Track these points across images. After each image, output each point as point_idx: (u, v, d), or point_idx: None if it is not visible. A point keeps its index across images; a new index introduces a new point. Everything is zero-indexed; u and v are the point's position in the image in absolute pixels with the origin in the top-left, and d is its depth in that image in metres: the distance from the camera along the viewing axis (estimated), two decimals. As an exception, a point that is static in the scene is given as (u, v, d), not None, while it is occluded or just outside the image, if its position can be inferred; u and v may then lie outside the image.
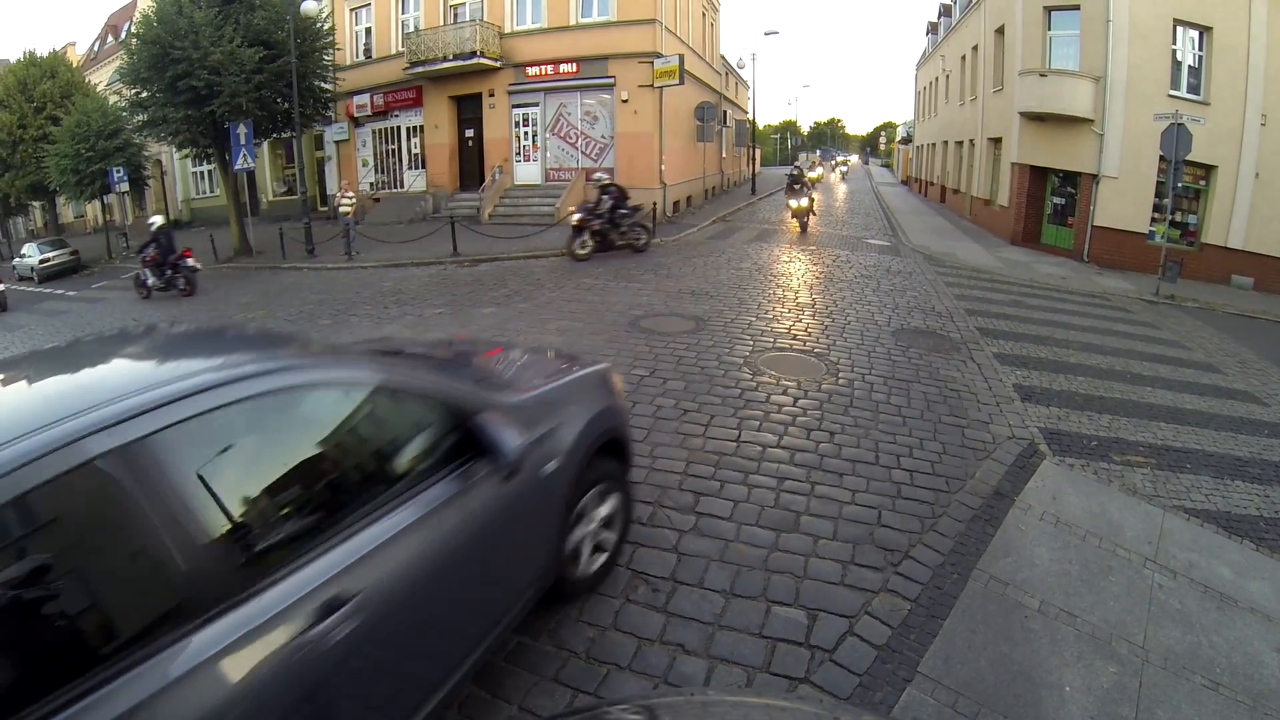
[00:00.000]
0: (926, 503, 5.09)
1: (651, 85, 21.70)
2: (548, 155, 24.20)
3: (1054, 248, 19.57)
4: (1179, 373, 9.23)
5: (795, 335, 9.32)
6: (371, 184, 28.47)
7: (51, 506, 1.77)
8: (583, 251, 15.78)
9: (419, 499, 2.64)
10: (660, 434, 6.19)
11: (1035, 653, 3.74)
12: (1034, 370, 8.53)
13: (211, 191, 35.37)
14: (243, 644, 1.95)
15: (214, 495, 2.04)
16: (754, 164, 43.49)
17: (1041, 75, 18.71)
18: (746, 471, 5.49)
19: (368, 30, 27.81)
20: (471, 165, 25.57)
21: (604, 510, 4.00)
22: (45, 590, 1.73)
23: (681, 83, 21.95)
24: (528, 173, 24.41)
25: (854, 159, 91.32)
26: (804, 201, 19.92)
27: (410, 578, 2.52)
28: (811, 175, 34.60)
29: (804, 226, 20.12)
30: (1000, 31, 22.93)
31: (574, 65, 22.71)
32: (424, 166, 26.67)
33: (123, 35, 30.72)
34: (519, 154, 24.59)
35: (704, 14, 29.86)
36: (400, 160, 27.92)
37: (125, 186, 27.20)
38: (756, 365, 8.04)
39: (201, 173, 36.28)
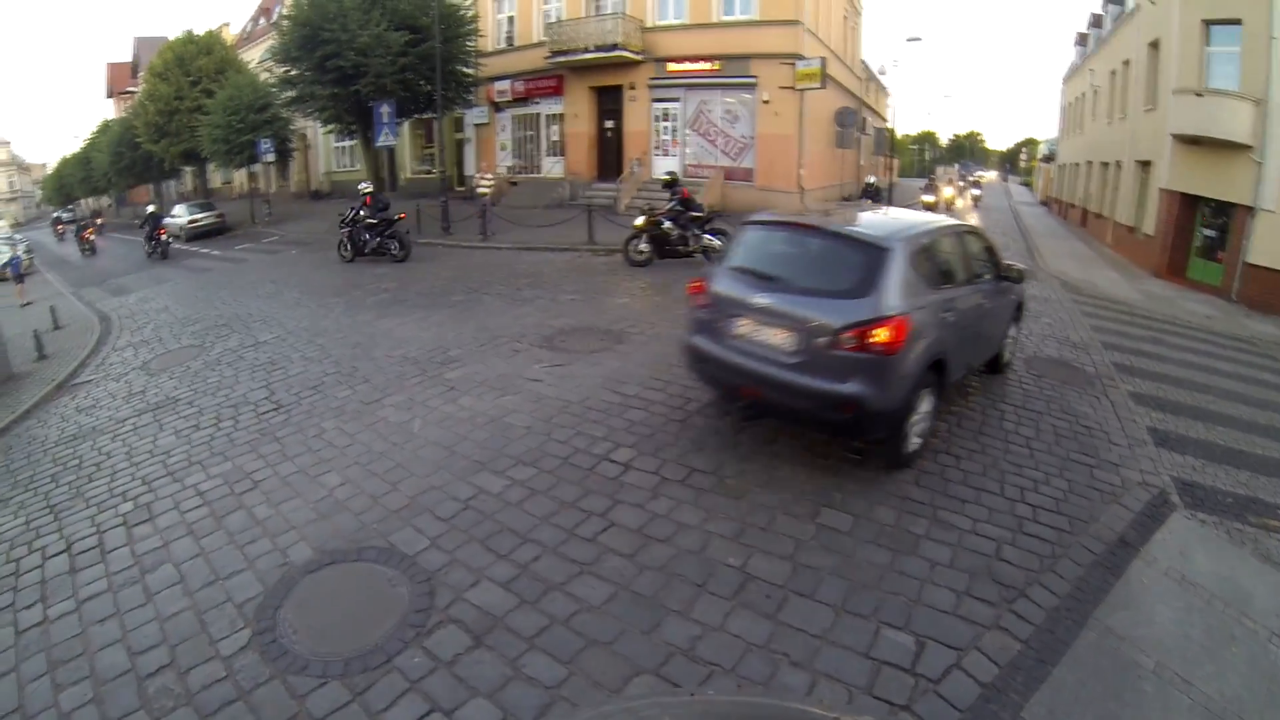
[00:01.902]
0: (1048, 541, 5.00)
1: (793, 87, 21.52)
2: (687, 151, 24.36)
3: (1201, 284, 18.30)
4: (1333, 433, 8.59)
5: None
6: (509, 168, 29.31)
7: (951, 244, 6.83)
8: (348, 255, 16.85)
9: (987, 281, 7.24)
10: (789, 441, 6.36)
11: (1144, 717, 3.65)
12: (1171, 414, 8.13)
13: (352, 166, 37.19)
14: (970, 296, 6.70)
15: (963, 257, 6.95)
16: (892, 173, 42.44)
17: (1198, 95, 17.40)
18: (869, 484, 5.57)
19: (510, 18, 28.60)
20: (610, 156, 26.01)
21: (1013, 331, 8.60)
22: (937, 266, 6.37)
23: (823, 86, 21.74)
24: (666, 167, 24.56)
25: (992, 175, 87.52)
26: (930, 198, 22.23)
27: (987, 301, 7.15)
28: (926, 199, 30.15)
29: None
30: (1154, 45, 21.50)
31: (715, 63, 22.75)
32: (562, 154, 27.29)
33: (274, 17, 32.63)
34: (658, 148, 24.88)
35: (845, 17, 29.38)
36: (539, 146, 28.65)
37: (271, 157, 29.12)
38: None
39: (343, 147, 38.18)
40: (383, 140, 21.32)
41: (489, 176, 21.60)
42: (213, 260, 21.03)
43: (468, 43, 24.05)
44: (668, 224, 14.26)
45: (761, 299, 5.67)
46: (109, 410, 8.47)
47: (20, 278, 19.63)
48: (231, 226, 29.55)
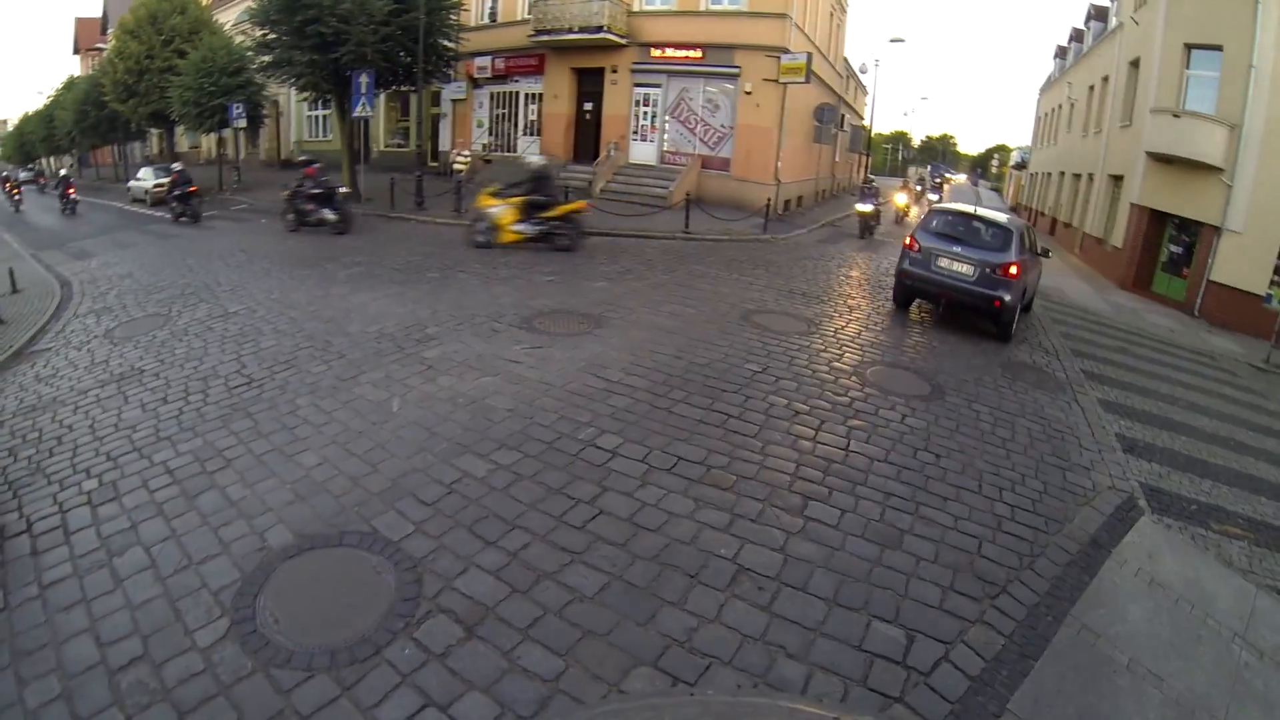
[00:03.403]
0: (1025, 540, 5.12)
1: (776, 80, 21.50)
2: (665, 138, 24.24)
3: (1164, 298, 18.82)
4: (1287, 448, 8.89)
5: (903, 351, 9.39)
6: (484, 145, 28.92)
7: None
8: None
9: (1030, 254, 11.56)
10: (772, 432, 6.39)
11: (1120, 710, 3.77)
12: (1137, 422, 8.38)
13: (324, 135, 36.43)
14: (1032, 260, 12.18)
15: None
16: (866, 171, 42.68)
17: (1175, 116, 17.81)
18: (854, 482, 5.60)
19: (495, -6, 28.17)
20: (587, 138, 25.78)
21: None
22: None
23: (808, 81, 21.78)
24: (643, 153, 24.50)
25: (962, 178, 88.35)
26: (868, 207, 21.62)
27: (1032, 264, 11.71)
28: (861, 208, 21.93)
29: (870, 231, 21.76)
30: (1135, 64, 21.95)
31: (700, 51, 22.66)
32: (539, 134, 26.98)
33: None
34: (636, 133, 24.68)
35: (832, 14, 29.40)
36: (515, 125, 28.29)
37: (243, 123, 28.35)
38: (866, 376, 8.14)
39: (317, 116, 37.40)
40: (360, 111, 20.81)
41: (465, 153, 21.35)
42: (179, 226, 20.36)
43: (451, 15, 23.54)
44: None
45: (954, 249, 10.71)
46: (70, 380, 7.99)
47: None
48: (199, 192, 28.54)
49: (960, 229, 11.12)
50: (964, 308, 10.87)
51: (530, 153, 17.31)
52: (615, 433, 6.17)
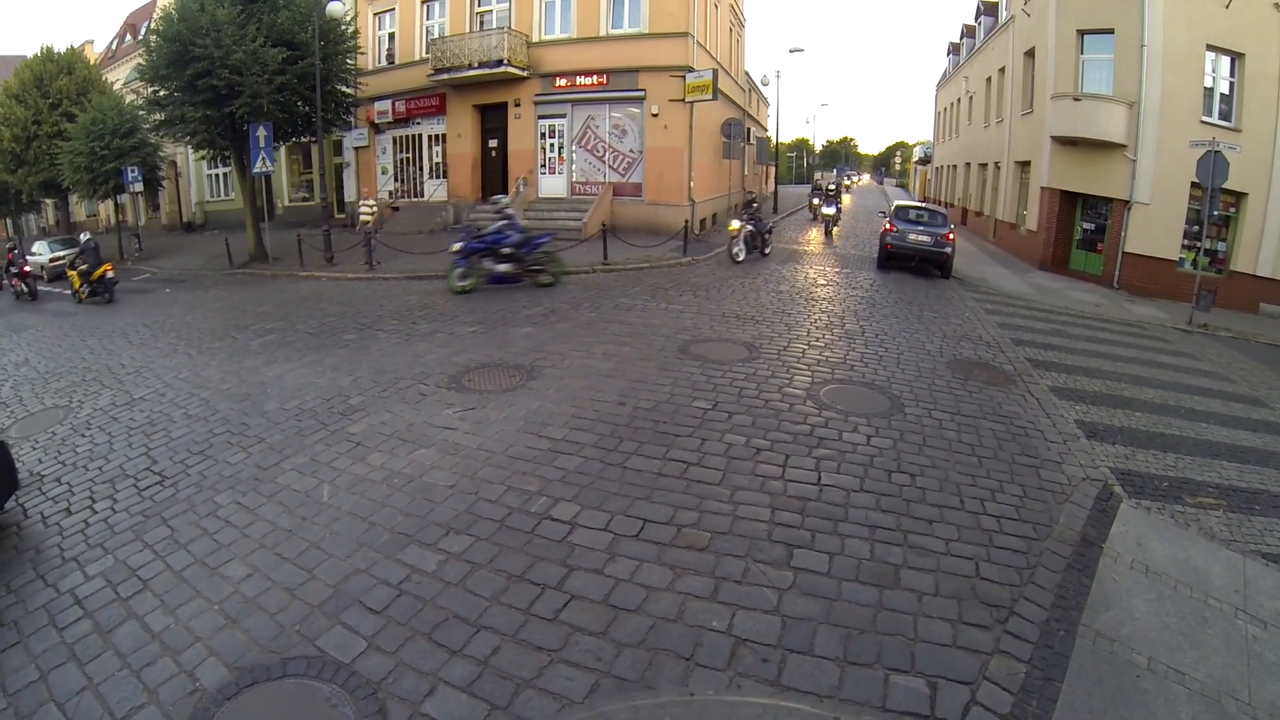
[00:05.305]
0: (1019, 551, 4.93)
1: (682, 100, 21.34)
2: (574, 168, 23.84)
3: (1083, 274, 19.41)
4: (1229, 407, 9.09)
5: (852, 365, 9.14)
6: (390, 192, 28.14)
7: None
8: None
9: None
10: (737, 475, 6.01)
11: (1153, 715, 3.67)
12: (1092, 405, 8.39)
13: (226, 195, 35.19)
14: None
15: None
16: (776, 182, 43.14)
17: (1075, 99, 18.52)
18: (835, 519, 5.26)
19: (391, 35, 27.50)
20: (495, 176, 25.20)
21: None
22: None
23: (715, 98, 21.67)
24: (553, 185, 24.08)
25: (865, 178, 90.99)
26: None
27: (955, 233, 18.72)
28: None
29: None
30: (1030, 54, 22.79)
31: (603, 77, 22.40)
32: (445, 176, 26.37)
33: (141, 34, 30.39)
34: (544, 166, 24.26)
35: (731, 29, 29.64)
36: (421, 169, 27.64)
37: (139, 187, 26.85)
38: (820, 398, 7.86)
39: (216, 175, 36.03)
40: (260, 166, 19.94)
41: (371, 202, 20.60)
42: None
43: (348, 60, 22.85)
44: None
45: (917, 227, 17.59)
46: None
47: None
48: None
49: (915, 215, 18.29)
50: (926, 261, 17.24)
51: (82, 234, 20.98)
52: (570, 499, 5.65)
